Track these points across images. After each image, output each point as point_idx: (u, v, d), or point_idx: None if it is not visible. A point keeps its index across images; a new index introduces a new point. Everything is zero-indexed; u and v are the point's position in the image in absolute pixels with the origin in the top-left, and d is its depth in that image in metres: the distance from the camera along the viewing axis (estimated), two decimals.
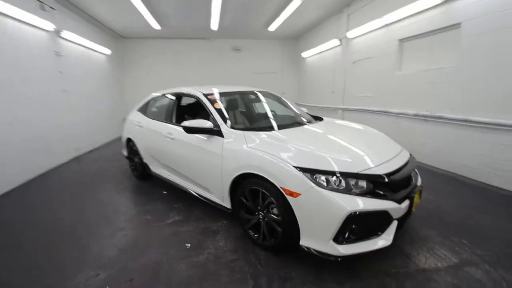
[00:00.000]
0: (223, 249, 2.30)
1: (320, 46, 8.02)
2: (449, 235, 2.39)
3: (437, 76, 4.26)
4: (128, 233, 2.61)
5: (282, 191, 1.94)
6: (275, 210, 2.12)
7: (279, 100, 3.57)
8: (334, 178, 1.84)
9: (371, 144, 2.41)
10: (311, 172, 1.86)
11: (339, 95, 7.25)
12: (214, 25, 7.48)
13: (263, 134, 2.40)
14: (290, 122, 2.90)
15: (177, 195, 3.47)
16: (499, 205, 2.98)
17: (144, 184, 3.99)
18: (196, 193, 2.94)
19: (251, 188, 2.23)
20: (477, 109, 3.65)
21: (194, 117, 3.57)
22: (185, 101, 3.56)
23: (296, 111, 3.39)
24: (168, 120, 3.36)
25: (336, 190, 1.80)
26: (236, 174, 2.27)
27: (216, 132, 2.57)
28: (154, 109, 3.91)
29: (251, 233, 2.33)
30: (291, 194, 1.89)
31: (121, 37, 8.95)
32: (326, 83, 7.98)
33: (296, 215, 1.89)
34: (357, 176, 1.85)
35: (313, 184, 1.82)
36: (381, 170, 1.93)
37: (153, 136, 3.49)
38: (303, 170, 1.88)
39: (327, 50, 7.87)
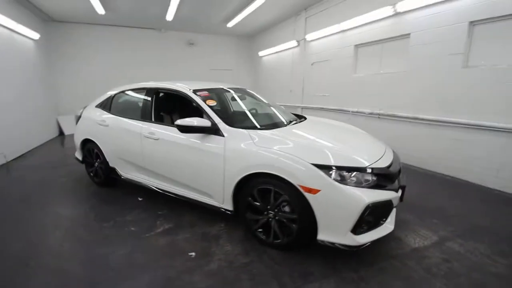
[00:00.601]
0: (232, 253, 2.20)
1: (278, 46, 8.26)
2: (423, 217, 2.78)
3: (389, 79, 4.87)
4: (115, 250, 2.26)
5: (300, 189, 1.96)
6: (286, 208, 2.12)
7: (255, 98, 3.54)
8: (347, 173, 1.95)
9: (364, 141, 2.62)
10: (327, 169, 1.93)
11: (298, 94, 7.62)
12: (170, 14, 6.97)
13: (267, 132, 2.37)
14: (282, 121, 2.92)
15: (156, 201, 3.15)
16: (442, 189, 3.62)
17: (110, 192, 3.50)
18: (187, 197, 2.72)
19: (260, 188, 2.18)
20: (423, 108, 4.32)
21: (180, 115, 3.31)
22: (164, 97, 3.23)
23: (278, 109, 3.41)
24: (146, 118, 3.00)
25: (350, 184, 1.92)
26: (244, 175, 2.20)
27: (213, 131, 2.42)
28: (122, 106, 3.44)
29: (259, 233, 2.29)
30: (310, 191, 1.92)
31: (52, 20, 7.56)
32: (284, 82, 8.29)
33: (315, 211, 1.94)
34: (366, 170, 2.00)
35: (331, 180, 1.89)
36: (382, 164, 2.13)
37: (126, 137, 3.09)
38: (320, 167, 1.94)
39: (284, 50, 8.16)
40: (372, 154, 2.22)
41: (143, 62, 8.91)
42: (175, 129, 2.73)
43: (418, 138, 4.44)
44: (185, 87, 2.84)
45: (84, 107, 3.89)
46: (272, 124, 2.73)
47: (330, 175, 1.91)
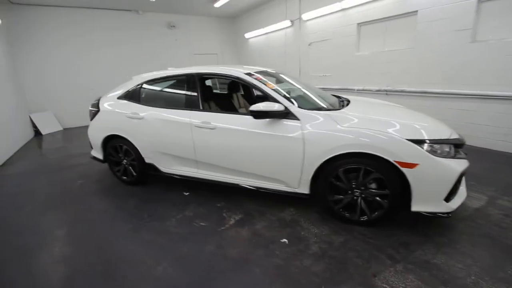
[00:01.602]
0: (323, 234, 2.22)
1: (268, 27, 8.06)
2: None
3: (395, 56, 5.09)
4: (200, 248, 2.13)
5: (397, 165, 2.01)
6: (373, 185, 2.19)
7: (290, 80, 3.45)
8: (437, 145, 2.05)
9: (422, 116, 2.71)
10: (421, 143, 2.01)
11: (294, 75, 7.60)
12: None
13: (341, 112, 2.35)
14: (336, 102, 2.91)
15: (204, 194, 3.01)
16: None
17: (145, 190, 3.24)
18: (252, 186, 2.64)
19: (346, 168, 2.20)
20: (430, 82, 4.63)
21: (229, 101, 3.10)
22: (208, 83, 2.99)
23: (321, 92, 3.34)
24: (193, 107, 2.78)
25: (440, 156, 2.03)
26: (330, 156, 2.18)
27: (284, 115, 2.34)
28: (157, 95, 3.12)
29: (343, 212, 2.33)
30: (408, 165, 1.99)
31: (11, 3, 6.38)
32: (277, 64, 8.19)
33: (411, 185, 2.02)
34: (449, 142, 2.12)
35: (428, 154, 1.98)
36: (454, 136, 2.27)
37: (169, 129, 2.84)
38: (415, 142, 2.01)
39: (275, 31, 8.00)
40: (444, 127, 2.34)
41: (119, 48, 8.09)
42: (235, 116, 2.61)
43: (427, 111, 4.74)
44: (239, 71, 2.67)
45: (98, 99, 3.46)
46: (332, 105, 2.72)
47: (424, 149, 2.00)
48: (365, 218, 2.26)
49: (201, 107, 2.78)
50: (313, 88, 3.27)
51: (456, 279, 1.72)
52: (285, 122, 2.35)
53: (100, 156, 3.49)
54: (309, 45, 6.93)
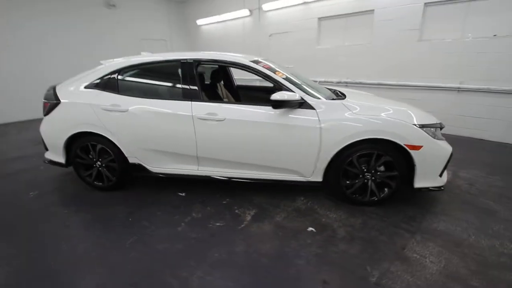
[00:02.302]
0: (343, 218, 2.32)
1: (224, 14, 7.76)
2: None
3: (354, 50, 5.57)
4: (230, 249, 1.98)
5: (406, 147, 2.23)
6: (382, 168, 2.38)
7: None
8: (433, 129, 2.35)
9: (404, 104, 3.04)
10: (424, 127, 2.27)
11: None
12: None
13: (351, 101, 2.45)
14: (333, 90, 3.02)
15: (201, 191, 2.81)
16: None
17: (129, 195, 2.81)
18: (261, 179, 2.55)
19: (360, 154, 2.33)
20: (386, 76, 5.24)
21: (216, 91, 2.87)
22: (203, 71, 2.71)
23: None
24: (194, 97, 2.49)
25: (436, 138, 2.33)
26: (347, 143, 2.27)
27: (300, 104, 2.32)
28: (141, 84, 2.68)
29: (355, 196, 2.47)
30: (414, 148, 2.23)
31: None
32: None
33: (416, 164, 2.27)
34: (436, 126, 2.44)
35: (429, 136, 2.25)
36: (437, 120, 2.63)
37: (165, 122, 2.50)
38: (420, 126, 2.25)
39: (233, 19, 7.77)
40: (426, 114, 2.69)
41: (46, 32, 6.63)
42: (246, 107, 2.47)
43: None
44: (242, 59, 2.51)
45: (53, 89, 2.79)
46: (335, 94, 2.81)
47: (426, 132, 2.26)
48: (374, 198, 2.46)
49: (202, 97, 2.52)
50: (305, 78, 3.32)
51: (463, 241, 2.03)
52: (300, 112, 2.33)
53: (60, 159, 2.84)
54: (269, 36, 6.98)
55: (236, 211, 2.48)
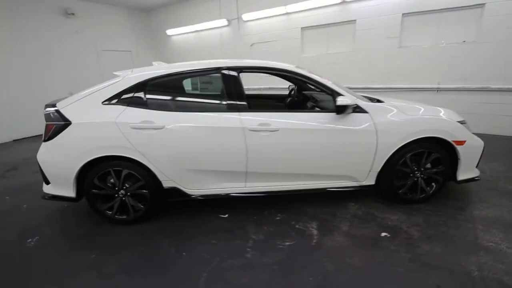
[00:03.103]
0: (405, 219, 2.33)
1: (199, 24, 7.51)
2: None
3: (338, 58, 5.87)
4: (311, 273, 1.81)
5: (453, 144, 2.36)
6: (428, 165, 2.49)
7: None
8: (467, 124, 2.54)
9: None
10: (462, 123, 2.44)
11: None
12: None
13: (394, 103, 2.52)
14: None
15: (245, 211, 2.56)
16: None
17: (156, 225, 2.41)
18: (313, 189, 2.45)
19: (413, 153, 2.39)
20: (370, 80, 5.63)
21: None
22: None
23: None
24: (240, 108, 2.27)
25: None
26: (403, 143, 2.32)
27: (354, 108, 2.31)
28: (178, 96, 2.34)
29: (405, 194, 2.52)
30: (460, 143, 2.38)
31: None
32: None
33: (461, 158, 2.42)
34: (466, 121, 2.66)
35: (469, 132, 2.43)
36: None
37: (213, 138, 2.23)
38: (460, 123, 2.42)
39: (209, 29, 7.56)
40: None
41: None
42: (296, 114, 2.37)
43: None
44: (288, 65, 2.42)
45: (53, 106, 2.27)
46: (370, 98, 2.85)
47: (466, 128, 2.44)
48: (423, 195, 2.54)
49: (249, 107, 2.32)
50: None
51: None
52: (355, 116, 2.31)
53: (69, 192, 2.30)
54: (251, 45, 6.96)
55: (297, 226, 2.31)
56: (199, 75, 2.41)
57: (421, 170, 2.46)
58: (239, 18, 6.85)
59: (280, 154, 2.32)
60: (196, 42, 8.02)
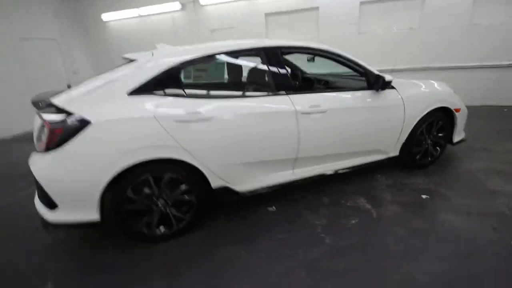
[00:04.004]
0: (428, 182, 2.64)
1: (144, 8, 6.61)
2: None
3: None
4: (408, 263, 1.90)
5: (454, 111, 2.77)
6: (433, 131, 2.87)
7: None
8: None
9: None
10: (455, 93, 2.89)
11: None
12: None
13: (405, 80, 2.78)
14: None
15: (288, 200, 2.48)
16: None
17: (197, 232, 2.13)
18: (348, 167, 2.52)
19: (428, 122, 2.70)
20: (334, 65, 6.01)
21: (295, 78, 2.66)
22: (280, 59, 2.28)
23: None
24: (289, 89, 2.13)
25: None
26: (424, 113, 2.59)
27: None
28: (220, 80, 1.99)
29: (420, 160, 2.84)
30: (457, 110, 2.81)
31: None
32: None
33: (457, 123, 2.87)
34: None
35: (461, 100, 2.89)
36: None
37: (264, 124, 2.04)
38: (455, 92, 2.85)
39: (158, 14, 6.73)
40: None
41: None
42: (340, 94, 2.39)
43: None
44: (328, 46, 2.41)
45: (53, 105, 1.69)
46: None
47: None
48: (432, 159, 2.92)
49: (294, 88, 2.20)
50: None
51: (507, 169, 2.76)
52: (387, 92, 2.46)
53: (91, 214, 1.77)
54: (211, 31, 6.53)
55: (348, 204, 2.36)
56: (241, 56, 2.13)
57: (430, 137, 2.82)
58: (195, 1, 6.31)
59: (329, 135, 2.30)
60: (142, 28, 7.05)
